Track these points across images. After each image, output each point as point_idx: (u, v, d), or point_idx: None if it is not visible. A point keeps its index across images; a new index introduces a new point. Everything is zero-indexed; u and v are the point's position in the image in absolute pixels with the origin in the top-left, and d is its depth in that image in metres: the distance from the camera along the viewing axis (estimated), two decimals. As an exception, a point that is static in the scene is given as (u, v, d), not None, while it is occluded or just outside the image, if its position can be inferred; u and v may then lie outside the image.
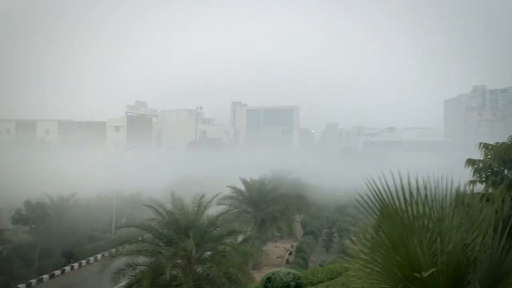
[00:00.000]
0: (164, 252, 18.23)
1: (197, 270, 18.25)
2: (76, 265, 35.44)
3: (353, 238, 6.22)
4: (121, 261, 18.49)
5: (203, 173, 65.89)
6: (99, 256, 36.34)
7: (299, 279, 9.35)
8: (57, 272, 33.97)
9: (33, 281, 31.60)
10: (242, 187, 35.76)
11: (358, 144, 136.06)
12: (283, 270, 9.79)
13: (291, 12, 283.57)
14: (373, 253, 5.59)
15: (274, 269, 10.03)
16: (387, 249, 5.39)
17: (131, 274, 18.18)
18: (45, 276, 32.75)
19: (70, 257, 36.14)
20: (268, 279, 9.33)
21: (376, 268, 5.40)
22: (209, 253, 18.74)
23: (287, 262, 35.28)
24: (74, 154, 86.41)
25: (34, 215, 34.52)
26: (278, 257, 37.12)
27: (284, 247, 40.87)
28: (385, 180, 5.57)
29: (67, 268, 35.00)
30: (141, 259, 18.62)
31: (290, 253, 38.46)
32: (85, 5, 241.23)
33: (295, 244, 38.80)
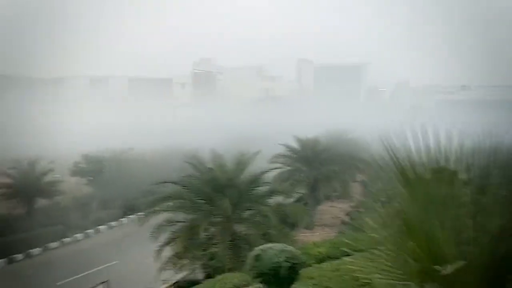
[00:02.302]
0: (203, 210, 17.69)
1: (235, 229, 17.55)
2: (133, 217, 36.43)
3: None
4: (161, 218, 18.29)
5: (264, 131, 65.27)
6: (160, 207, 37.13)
7: (294, 259, 8.02)
8: (114, 223, 35.16)
9: (91, 231, 32.91)
10: (296, 145, 34.59)
11: (430, 103, 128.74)
12: (277, 246, 8.45)
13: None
14: (382, 234, 4.22)
15: (266, 245, 8.65)
16: (400, 231, 4.02)
17: (172, 231, 17.90)
18: (102, 227, 34.02)
19: (127, 209, 37.22)
20: (257, 256, 8.06)
21: (384, 256, 4.05)
22: (249, 212, 17.94)
23: (343, 223, 34.05)
24: (138, 110, 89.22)
25: (91, 168, 35.65)
26: (332, 218, 35.94)
27: (341, 208, 39.56)
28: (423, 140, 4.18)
29: (124, 220, 36.12)
30: (182, 215, 18.26)
31: (347, 214, 37.13)
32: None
33: (352, 205, 37.32)
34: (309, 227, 30.96)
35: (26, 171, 32.73)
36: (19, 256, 27.57)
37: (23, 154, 33.60)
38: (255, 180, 18.20)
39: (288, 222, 21.13)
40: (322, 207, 38.13)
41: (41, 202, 34.16)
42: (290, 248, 8.46)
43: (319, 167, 33.25)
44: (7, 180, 32.12)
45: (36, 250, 28.66)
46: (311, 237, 30.32)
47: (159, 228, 17.75)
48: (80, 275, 23.74)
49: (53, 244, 30.06)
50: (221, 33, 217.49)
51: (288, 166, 32.71)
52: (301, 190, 32.59)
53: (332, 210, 38.77)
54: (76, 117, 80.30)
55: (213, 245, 16.92)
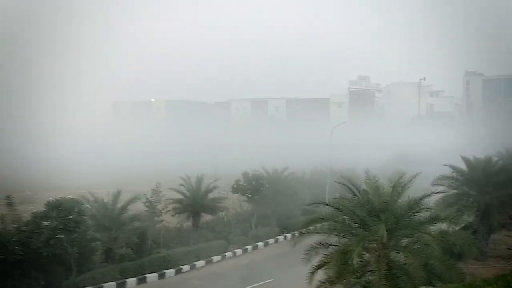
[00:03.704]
0: (357, 234, 16.89)
1: (393, 258, 16.32)
2: (289, 235, 36.95)
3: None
4: (314, 239, 18.00)
5: (426, 150, 61.06)
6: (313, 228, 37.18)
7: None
8: (271, 240, 36.05)
9: (249, 247, 34.22)
10: (464, 166, 31.34)
11: None
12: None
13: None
14: None
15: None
16: None
17: (325, 253, 17.47)
18: (260, 244, 35.13)
19: (283, 227, 37.94)
20: None
21: None
22: (407, 240, 16.55)
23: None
24: (298, 130, 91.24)
25: (250, 186, 37.27)
26: (508, 248, 31.61)
27: (520, 238, 34.65)
28: None
29: (281, 238, 36.82)
30: (334, 238, 17.73)
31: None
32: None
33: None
34: (481, 258, 27.57)
35: (194, 188, 35.58)
36: (186, 267, 29.85)
37: (191, 172, 36.59)
38: (415, 205, 16.73)
39: (453, 253, 19.02)
40: (496, 236, 33.87)
41: (206, 217, 36.82)
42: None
43: (491, 191, 29.58)
44: (178, 196, 35.27)
45: (200, 263, 30.79)
46: (482, 270, 26.96)
47: (312, 250, 17.46)
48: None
49: (216, 258, 31.97)
50: (374, 51, 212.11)
51: (454, 189, 29.76)
52: (469, 217, 29.30)
53: (508, 240, 34.21)
54: (237, 138, 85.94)
55: (368, 273, 15.98)
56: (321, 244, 17.61)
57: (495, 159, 33.45)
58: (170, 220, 34.57)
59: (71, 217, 23.06)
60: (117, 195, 28.53)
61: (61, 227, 22.53)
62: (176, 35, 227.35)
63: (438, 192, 20.55)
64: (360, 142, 73.65)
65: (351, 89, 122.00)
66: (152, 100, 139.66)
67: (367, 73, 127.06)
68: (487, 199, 29.30)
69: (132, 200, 28.95)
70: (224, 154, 64.09)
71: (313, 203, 19.43)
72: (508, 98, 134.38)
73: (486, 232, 30.79)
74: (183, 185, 35.53)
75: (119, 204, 28.30)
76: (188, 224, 35.29)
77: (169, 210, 33.84)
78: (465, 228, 28.96)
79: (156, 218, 31.37)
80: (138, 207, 31.13)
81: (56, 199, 23.94)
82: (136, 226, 28.90)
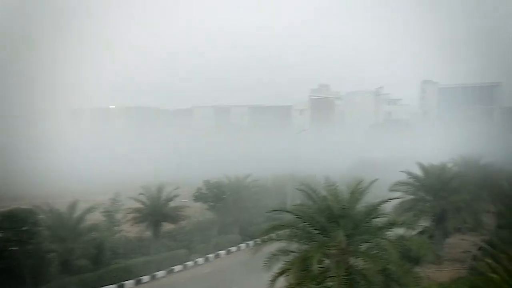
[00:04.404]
0: (316, 240, 17.02)
1: (352, 263, 16.52)
2: (251, 243, 36.84)
3: None
4: (275, 246, 18.02)
5: (384, 156, 62.59)
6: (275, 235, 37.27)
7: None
8: (233, 248, 35.89)
9: (211, 255, 33.93)
10: (420, 172, 32.25)
11: None
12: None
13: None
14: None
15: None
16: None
17: (286, 260, 17.50)
18: (222, 252, 34.90)
19: (246, 235, 37.84)
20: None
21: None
22: (366, 245, 16.80)
23: (474, 259, 30.70)
24: (261, 137, 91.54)
25: (212, 194, 37.03)
26: (463, 252, 32.63)
27: (472, 241, 35.84)
28: None
29: (243, 245, 36.71)
30: (295, 245, 17.80)
31: (479, 249, 33.48)
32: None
33: (486, 238, 33.56)
34: (437, 262, 28.39)
35: (154, 197, 34.94)
36: (146, 278, 29.25)
37: (151, 180, 35.99)
38: (373, 210, 17.03)
39: (410, 257, 19.50)
40: (451, 240, 34.96)
41: (167, 226, 36.18)
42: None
43: (446, 197, 30.54)
44: (137, 205, 34.55)
45: (161, 273, 30.23)
46: (438, 274, 27.72)
47: (272, 258, 17.45)
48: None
49: (177, 267, 31.49)
50: (336, 59, 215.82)
51: (411, 195, 30.54)
52: (426, 222, 30.13)
53: (463, 244, 35.33)
54: (200, 145, 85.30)
55: (328, 278, 16.11)
56: (282, 251, 17.63)
57: (450, 165, 34.57)
58: (130, 230, 33.83)
59: (25, 228, 22.22)
60: (73, 205, 27.70)
61: (14, 238, 21.66)
62: (140, 41, 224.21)
63: (395, 198, 21.05)
64: (321, 149, 74.62)
65: (312, 97, 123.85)
66: (111, 107, 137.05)
67: (328, 80, 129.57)
68: (442, 204, 30.21)
69: (89, 210, 28.17)
70: (186, 161, 63.55)
71: (274, 210, 19.43)
72: (464, 106, 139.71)
73: (441, 236, 31.75)
74: (143, 194, 34.83)
75: (76, 214, 27.46)
76: (148, 233, 34.59)
77: (128, 220, 33.09)
78: (422, 232, 29.86)
79: (115, 228, 30.63)
80: (97, 217, 30.33)
81: (9, 209, 23.00)
82: (94, 236, 28.09)
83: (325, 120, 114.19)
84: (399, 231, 18.83)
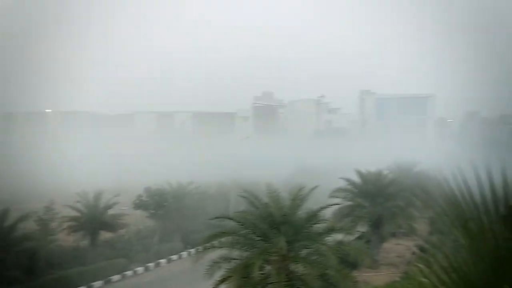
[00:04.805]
0: (258, 247, 17.15)
1: (292, 269, 16.78)
2: (193, 251, 36.46)
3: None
4: (217, 254, 17.96)
5: (325, 164, 64.15)
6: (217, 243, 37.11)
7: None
8: (174, 257, 35.33)
9: (151, 264, 33.21)
10: (358, 179, 33.37)
11: (503, 134, 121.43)
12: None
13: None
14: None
15: None
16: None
17: (227, 268, 17.47)
18: (163, 261, 34.26)
19: (188, 243, 37.38)
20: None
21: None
22: (306, 251, 17.14)
23: (408, 263, 32.11)
24: (204, 144, 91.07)
25: (153, 201, 36.34)
26: (398, 256, 34.04)
27: (407, 246, 37.48)
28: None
29: (184, 254, 36.22)
30: (237, 252, 17.83)
31: (413, 253, 35.09)
32: None
33: (418, 243, 35.22)
34: (373, 266, 29.40)
35: (91, 204, 33.81)
36: (82, 289, 28.16)
37: (89, 187, 34.79)
38: (313, 217, 17.42)
39: (348, 262, 20.06)
40: (387, 245, 36.33)
41: (106, 234, 35.07)
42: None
43: (383, 202, 31.78)
44: (73, 213, 33.27)
45: (98, 283, 29.19)
46: (375, 277, 28.73)
47: (214, 265, 17.38)
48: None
49: (115, 277, 30.54)
50: (280, 67, 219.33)
51: (349, 201, 31.51)
52: (363, 227, 31.18)
53: (398, 248, 36.81)
54: (141, 151, 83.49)
55: (269, 285, 16.25)
56: (224, 259, 17.60)
57: (386, 172, 35.97)
58: (67, 239, 32.45)
59: None
60: (4, 213, 26.21)
61: None
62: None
63: (334, 204, 21.65)
64: (264, 156, 75.33)
65: (255, 104, 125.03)
66: (48, 110, 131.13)
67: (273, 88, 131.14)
68: (378, 210, 31.38)
69: (22, 219, 26.74)
70: (126, 168, 61.95)
71: (217, 217, 19.38)
72: (400, 116, 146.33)
73: (378, 241, 32.92)
74: (79, 201, 33.58)
75: (7, 223, 25.99)
76: (85, 242, 33.34)
77: (64, 229, 31.76)
78: (359, 238, 30.82)
79: (49, 237, 29.26)
80: (30, 226, 28.86)
81: None
82: (27, 246, 26.66)
83: (269, 127, 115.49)
84: (338, 236, 19.39)
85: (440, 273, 3.62)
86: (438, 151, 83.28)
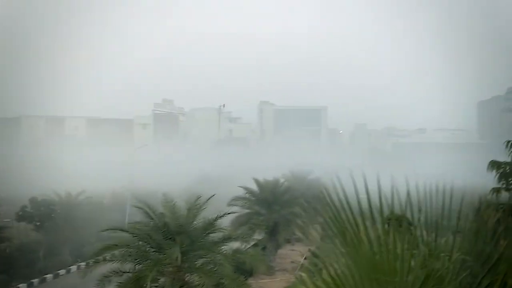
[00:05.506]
0: (151, 259, 16.57)
1: (187, 279, 16.48)
2: (83, 264, 34.35)
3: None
4: (108, 267, 17.05)
5: (225, 172, 64.54)
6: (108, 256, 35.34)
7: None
8: (62, 271, 33.00)
9: (35, 280, 30.66)
10: (256, 187, 33.97)
11: (387, 145, 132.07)
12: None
13: (325, 13, 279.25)
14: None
15: None
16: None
17: (119, 281, 16.64)
18: (49, 276, 31.81)
19: (78, 256, 35.14)
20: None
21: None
22: (202, 261, 16.93)
23: (301, 268, 33.29)
24: (96, 151, 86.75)
25: (39, 212, 33.69)
26: (292, 262, 35.14)
27: (300, 251, 38.90)
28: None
29: (73, 268, 33.99)
30: (130, 265, 17.07)
31: (305, 258, 36.50)
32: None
33: (311, 249, 36.74)
34: (269, 272, 29.95)
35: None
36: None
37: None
38: (209, 226, 17.29)
39: (244, 270, 20.21)
40: (282, 251, 37.32)
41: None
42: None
43: (279, 210, 32.62)
44: None
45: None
46: (270, 284, 29.32)
47: (104, 279, 16.48)
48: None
49: (-7, 296, 27.72)
50: (182, 74, 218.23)
51: (247, 209, 31.90)
52: (260, 234, 31.75)
53: (292, 254, 37.99)
54: (28, 158, 77.34)
55: (163, 297, 15.79)
56: (115, 272, 16.76)
57: (282, 180, 37.06)
58: None
59: None
60: None
61: None
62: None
63: (231, 213, 21.74)
64: (163, 164, 73.90)
65: (155, 111, 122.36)
66: None
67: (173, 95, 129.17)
68: (275, 217, 32.16)
69: None
70: (9, 176, 56.86)
71: (108, 229, 18.39)
72: (295, 126, 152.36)
73: (274, 248, 33.70)
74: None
75: None
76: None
77: None
78: (256, 245, 31.33)
79: None
80: None
81: None
82: None
83: (169, 135, 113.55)
84: (235, 244, 19.46)
85: (321, 281, 3.68)
86: (330, 160, 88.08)
